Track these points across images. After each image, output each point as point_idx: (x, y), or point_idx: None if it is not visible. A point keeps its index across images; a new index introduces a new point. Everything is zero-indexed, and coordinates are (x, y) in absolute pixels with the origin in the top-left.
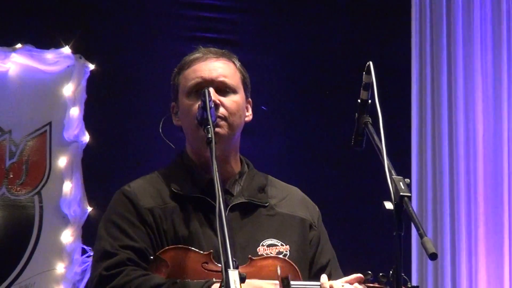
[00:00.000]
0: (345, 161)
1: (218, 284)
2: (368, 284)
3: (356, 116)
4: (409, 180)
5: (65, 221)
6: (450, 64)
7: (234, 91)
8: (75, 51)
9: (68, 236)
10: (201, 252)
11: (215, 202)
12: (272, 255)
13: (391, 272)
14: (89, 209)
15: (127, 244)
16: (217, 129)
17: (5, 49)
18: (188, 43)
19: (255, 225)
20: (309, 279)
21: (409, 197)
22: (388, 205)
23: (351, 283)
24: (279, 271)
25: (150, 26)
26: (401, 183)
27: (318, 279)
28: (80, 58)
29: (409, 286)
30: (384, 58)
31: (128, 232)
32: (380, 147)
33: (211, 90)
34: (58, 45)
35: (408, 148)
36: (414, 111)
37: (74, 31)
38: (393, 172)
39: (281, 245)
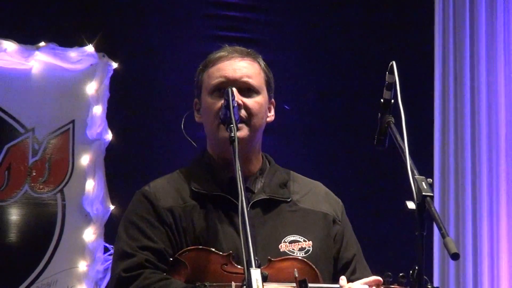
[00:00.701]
0: (368, 160)
1: None
2: (388, 286)
3: (379, 115)
4: (431, 180)
5: (87, 219)
6: (473, 64)
7: (257, 91)
8: (98, 49)
9: (90, 234)
10: (221, 253)
11: (236, 200)
12: (294, 253)
13: (411, 272)
14: (112, 207)
15: (145, 245)
16: (237, 131)
17: (29, 47)
18: (211, 42)
19: (277, 222)
20: (334, 274)
21: (432, 197)
22: (411, 205)
23: (369, 285)
24: (296, 274)
25: (173, 25)
26: (423, 183)
27: (343, 274)
28: (104, 56)
29: (429, 287)
30: (407, 58)
31: (147, 232)
32: (402, 146)
33: (234, 90)
34: (81, 44)
35: (430, 148)
36: (436, 111)
37: (97, 29)
38: (415, 171)
39: (304, 241)
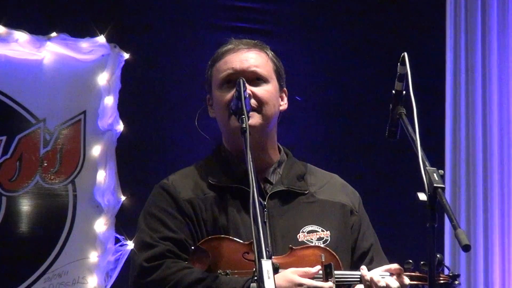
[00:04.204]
0: (380, 151)
1: None
2: (409, 273)
3: (391, 107)
4: (442, 172)
5: (98, 210)
6: (485, 56)
7: (266, 80)
8: (110, 40)
9: (101, 225)
10: (242, 242)
11: None
12: (312, 243)
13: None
14: (123, 198)
15: (166, 236)
16: (249, 120)
17: (40, 38)
18: (224, 33)
19: (295, 212)
20: (351, 264)
21: (443, 189)
22: (422, 196)
23: (390, 272)
24: (323, 258)
25: (185, 16)
26: (434, 174)
27: (360, 264)
28: (115, 47)
29: (451, 274)
30: (419, 49)
31: (168, 223)
32: (414, 138)
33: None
34: (93, 34)
35: (442, 139)
36: (448, 102)
37: (109, 20)
38: (427, 163)
39: (322, 230)
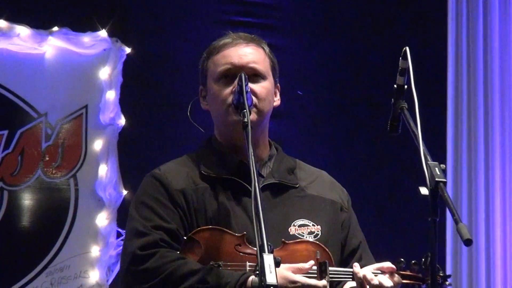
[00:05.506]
0: (380, 146)
1: (254, 277)
2: (401, 272)
3: (392, 101)
4: (444, 166)
5: (100, 204)
6: (486, 49)
7: (263, 77)
8: (111, 34)
9: (103, 219)
10: (235, 234)
11: (245, 182)
12: (304, 237)
13: (423, 259)
14: (125, 192)
15: (159, 225)
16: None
17: (42, 32)
18: (225, 27)
19: (286, 205)
20: (341, 260)
21: (445, 183)
22: (424, 190)
23: (383, 271)
24: (318, 256)
25: (187, 10)
26: (436, 168)
27: (349, 260)
28: (117, 41)
29: (441, 274)
30: (420, 43)
31: (160, 213)
32: (416, 132)
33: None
34: (94, 28)
35: (443, 134)
36: (450, 97)
37: (110, 14)
38: (428, 157)
39: (312, 225)
